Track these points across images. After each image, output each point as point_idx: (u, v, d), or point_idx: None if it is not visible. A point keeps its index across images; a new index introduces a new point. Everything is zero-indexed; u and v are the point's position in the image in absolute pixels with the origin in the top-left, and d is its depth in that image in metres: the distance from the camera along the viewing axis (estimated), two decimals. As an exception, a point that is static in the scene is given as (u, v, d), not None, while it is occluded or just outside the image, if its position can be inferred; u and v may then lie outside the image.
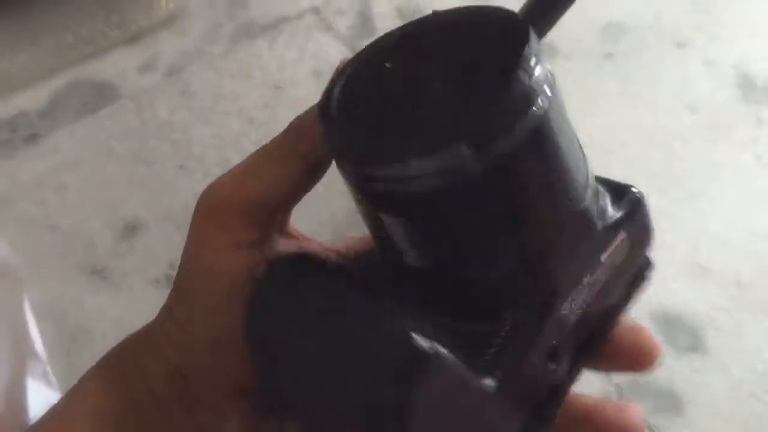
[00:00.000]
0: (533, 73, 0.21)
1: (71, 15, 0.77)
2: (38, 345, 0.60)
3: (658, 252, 0.70)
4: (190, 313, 0.25)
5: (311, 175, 0.25)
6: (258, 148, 0.25)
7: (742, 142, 0.69)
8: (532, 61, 0.21)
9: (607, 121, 0.69)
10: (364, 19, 0.77)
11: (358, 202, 0.23)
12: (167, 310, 0.26)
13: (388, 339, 0.21)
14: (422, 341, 0.21)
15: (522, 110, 0.20)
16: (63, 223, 0.68)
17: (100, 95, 0.73)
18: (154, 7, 0.76)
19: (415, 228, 0.22)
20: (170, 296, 0.26)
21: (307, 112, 0.25)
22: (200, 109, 0.72)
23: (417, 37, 0.24)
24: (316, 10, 0.77)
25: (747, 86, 0.71)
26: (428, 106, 0.22)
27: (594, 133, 0.67)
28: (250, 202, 0.25)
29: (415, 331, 0.21)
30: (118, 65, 0.74)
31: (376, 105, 0.23)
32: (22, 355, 0.58)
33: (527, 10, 0.23)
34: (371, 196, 0.22)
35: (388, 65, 0.23)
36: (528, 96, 0.20)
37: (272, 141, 0.25)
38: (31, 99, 0.74)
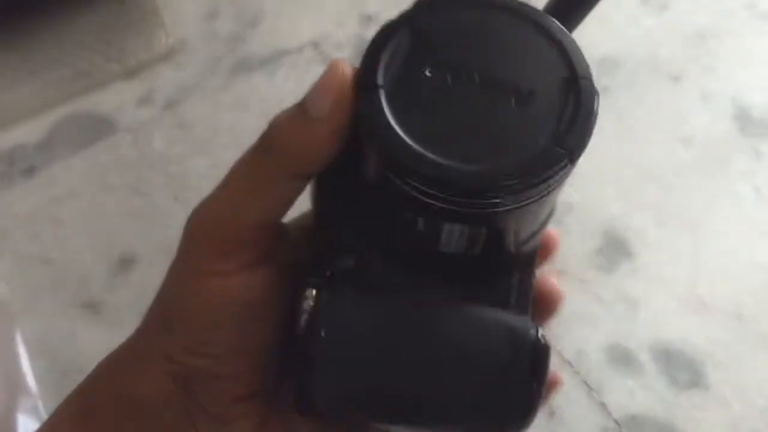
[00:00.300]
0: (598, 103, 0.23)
1: (71, 49, 0.77)
2: (30, 380, 0.59)
3: (657, 286, 0.69)
4: (192, 333, 0.25)
5: (302, 186, 0.25)
6: (243, 167, 0.25)
7: (740, 175, 0.69)
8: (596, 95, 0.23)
9: (603, 155, 0.69)
10: (361, 53, 0.77)
11: (407, 210, 0.23)
12: (159, 326, 0.25)
13: (514, 338, 0.23)
14: (542, 335, 0.23)
15: (590, 133, 0.23)
16: (57, 257, 0.67)
17: (97, 128, 0.74)
18: (153, 42, 0.77)
19: (467, 228, 0.23)
20: (156, 312, 0.26)
21: (295, 129, 0.24)
22: (197, 141, 0.72)
23: (441, 33, 0.23)
24: (315, 44, 0.78)
25: (744, 118, 0.71)
26: (501, 127, 0.22)
27: (590, 166, 0.67)
28: (245, 228, 0.24)
29: (530, 326, 0.23)
30: (116, 99, 0.75)
31: (445, 126, 0.22)
32: (13, 390, 0.58)
33: (552, 7, 0.23)
34: (436, 211, 0.22)
35: (428, 73, 0.22)
36: (593, 120, 0.23)
37: (258, 160, 0.25)
38: (29, 132, 0.74)
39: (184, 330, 0.25)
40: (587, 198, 0.66)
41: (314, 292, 0.23)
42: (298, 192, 0.24)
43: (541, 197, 0.23)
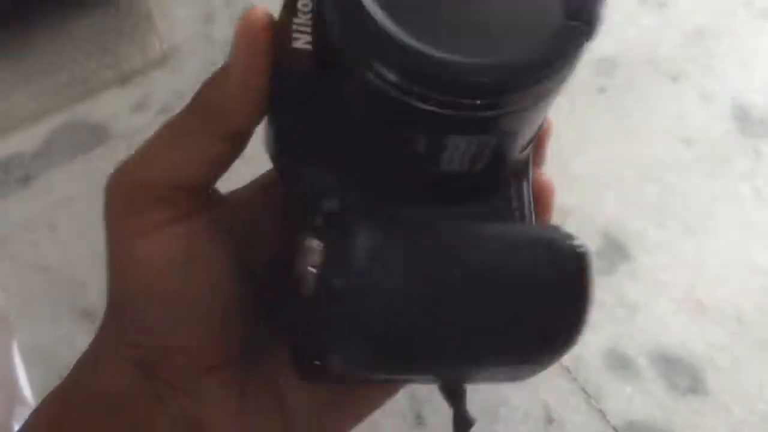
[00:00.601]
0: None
1: (66, 55, 0.77)
2: (26, 390, 0.59)
3: (656, 289, 0.68)
4: (130, 309, 0.24)
5: (232, 151, 0.23)
6: (167, 126, 0.24)
7: (740, 175, 0.68)
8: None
9: (601, 156, 0.69)
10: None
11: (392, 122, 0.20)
12: (110, 314, 0.25)
13: (554, 251, 0.21)
14: (579, 241, 0.21)
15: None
16: (54, 264, 0.67)
17: (92, 136, 0.74)
18: (147, 48, 0.77)
19: (477, 138, 0.20)
20: (110, 307, 0.25)
21: (216, 85, 0.23)
22: (193, 147, 0.72)
23: None
24: (309, 48, 0.78)
25: (744, 119, 0.71)
26: (506, 11, 0.19)
27: (589, 168, 0.67)
28: (167, 186, 0.23)
29: (565, 235, 0.21)
30: (111, 105, 0.74)
31: (444, 18, 0.19)
32: (9, 399, 0.58)
33: None
34: (444, 122, 0.19)
35: None
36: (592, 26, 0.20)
37: (182, 119, 0.23)
38: (25, 140, 0.74)
39: (124, 308, 0.24)
40: (586, 199, 0.65)
41: (315, 242, 0.20)
42: (224, 154, 0.23)
43: (560, 85, 0.20)
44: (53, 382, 0.61)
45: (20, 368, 0.60)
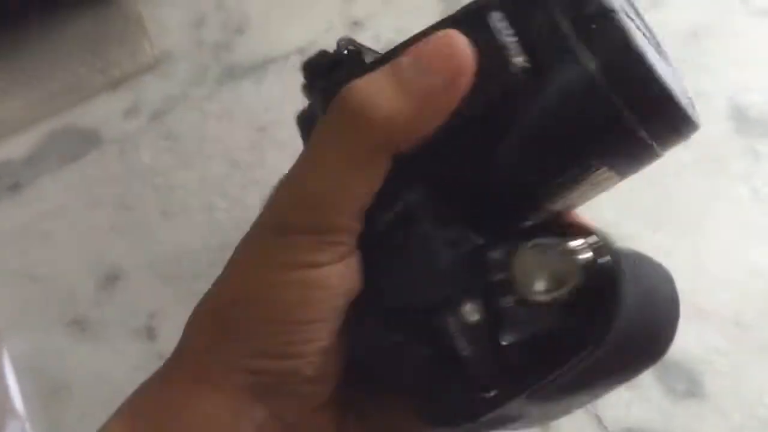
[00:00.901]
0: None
1: (55, 61, 0.76)
2: (17, 401, 0.58)
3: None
4: (280, 333, 0.22)
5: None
6: (327, 142, 0.22)
7: (738, 176, 0.67)
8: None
9: (597, 158, 0.68)
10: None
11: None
12: (225, 338, 0.23)
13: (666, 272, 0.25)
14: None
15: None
16: (44, 273, 0.67)
17: (83, 141, 0.73)
18: (138, 52, 0.76)
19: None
20: (219, 322, 0.23)
21: (394, 104, 0.21)
22: (184, 152, 0.71)
23: None
24: (301, 51, 0.77)
25: (740, 118, 0.70)
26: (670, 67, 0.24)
27: (584, 171, 0.66)
28: (345, 214, 0.22)
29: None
30: (101, 111, 0.74)
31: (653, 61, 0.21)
32: (0, 412, 0.57)
33: None
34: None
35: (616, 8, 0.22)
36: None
37: (347, 136, 0.22)
38: (15, 147, 0.73)
39: (270, 331, 0.22)
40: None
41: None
42: (387, 171, 0.22)
43: None
44: (44, 392, 0.60)
45: (11, 379, 0.59)
